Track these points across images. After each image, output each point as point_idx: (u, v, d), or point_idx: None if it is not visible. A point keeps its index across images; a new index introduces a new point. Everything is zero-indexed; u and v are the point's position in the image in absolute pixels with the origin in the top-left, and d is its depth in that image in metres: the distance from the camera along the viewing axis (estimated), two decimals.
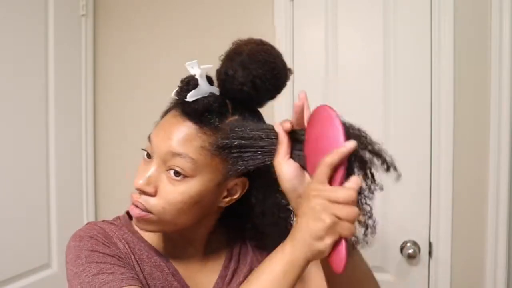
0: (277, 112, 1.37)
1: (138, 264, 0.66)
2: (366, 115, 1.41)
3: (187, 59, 0.63)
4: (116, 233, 0.68)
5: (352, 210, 0.51)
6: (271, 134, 0.62)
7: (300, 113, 0.61)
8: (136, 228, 0.71)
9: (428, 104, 1.35)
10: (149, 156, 0.65)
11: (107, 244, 0.64)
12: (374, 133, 0.57)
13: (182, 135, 0.62)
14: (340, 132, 0.53)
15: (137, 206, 0.63)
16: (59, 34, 1.51)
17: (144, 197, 0.63)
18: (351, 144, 0.52)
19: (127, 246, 0.66)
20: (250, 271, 0.75)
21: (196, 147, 0.61)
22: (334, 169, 0.53)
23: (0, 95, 1.31)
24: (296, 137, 0.62)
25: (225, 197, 0.68)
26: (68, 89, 1.58)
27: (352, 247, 0.58)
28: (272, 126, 0.64)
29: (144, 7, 1.65)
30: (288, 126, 0.61)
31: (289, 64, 0.68)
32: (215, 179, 0.64)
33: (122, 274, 0.60)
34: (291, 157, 0.62)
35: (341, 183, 0.53)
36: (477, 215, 1.33)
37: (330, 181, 0.54)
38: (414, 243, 1.38)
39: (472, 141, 1.33)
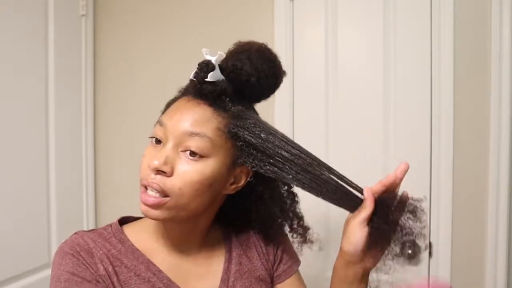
0: (277, 113, 1.38)
1: (121, 285, 0.64)
2: (366, 115, 1.41)
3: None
4: (101, 251, 0.65)
5: None
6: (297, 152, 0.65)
7: (393, 182, 0.66)
8: (128, 235, 0.70)
9: (428, 104, 1.35)
10: (158, 142, 0.65)
11: (88, 265, 0.63)
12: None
13: (199, 116, 0.64)
14: None
15: (149, 190, 0.62)
16: (59, 34, 1.51)
17: (160, 177, 0.62)
18: None
19: (110, 269, 0.64)
20: (252, 270, 0.75)
21: (213, 127, 0.64)
22: None
23: (0, 95, 1.31)
24: (382, 202, 0.64)
25: (232, 183, 0.69)
26: (68, 89, 1.58)
27: None
28: (308, 152, 0.66)
29: (144, 7, 1.65)
30: (380, 189, 0.65)
31: (289, 64, 0.70)
32: (227, 162, 0.65)
33: None
34: (369, 223, 0.65)
35: None
36: (477, 215, 1.33)
37: None
38: (414, 243, 1.38)
39: (472, 141, 1.33)
